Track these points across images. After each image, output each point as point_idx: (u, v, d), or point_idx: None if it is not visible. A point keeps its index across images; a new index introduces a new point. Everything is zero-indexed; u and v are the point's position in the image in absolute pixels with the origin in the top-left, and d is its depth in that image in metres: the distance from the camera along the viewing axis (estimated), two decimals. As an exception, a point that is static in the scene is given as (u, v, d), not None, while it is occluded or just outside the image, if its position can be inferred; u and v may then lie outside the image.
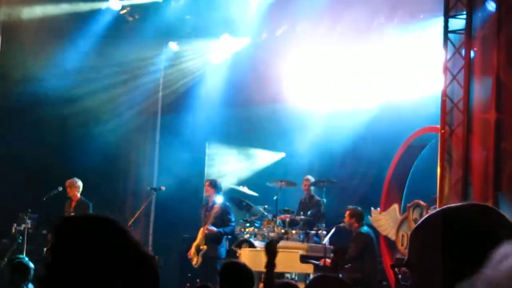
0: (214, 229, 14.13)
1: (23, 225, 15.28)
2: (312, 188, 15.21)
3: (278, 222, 14.42)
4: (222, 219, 14.28)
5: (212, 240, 14.13)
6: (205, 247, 14.06)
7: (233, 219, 14.50)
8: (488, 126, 11.24)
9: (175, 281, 15.75)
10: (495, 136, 11.09)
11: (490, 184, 11.04)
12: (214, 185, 14.58)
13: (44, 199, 14.80)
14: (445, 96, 11.70)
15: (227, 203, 14.64)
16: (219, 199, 14.39)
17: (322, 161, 16.48)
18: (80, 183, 14.51)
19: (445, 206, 2.07)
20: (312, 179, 15.16)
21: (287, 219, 14.61)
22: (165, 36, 17.60)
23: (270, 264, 7.01)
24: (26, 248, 13.70)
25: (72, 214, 14.10)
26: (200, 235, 14.20)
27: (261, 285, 9.28)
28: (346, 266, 13.25)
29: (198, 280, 13.86)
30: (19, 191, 15.81)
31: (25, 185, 15.95)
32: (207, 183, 14.77)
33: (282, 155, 18.07)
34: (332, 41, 16.43)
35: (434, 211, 2.10)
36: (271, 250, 7.08)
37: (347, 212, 13.53)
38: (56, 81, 15.77)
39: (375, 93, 16.12)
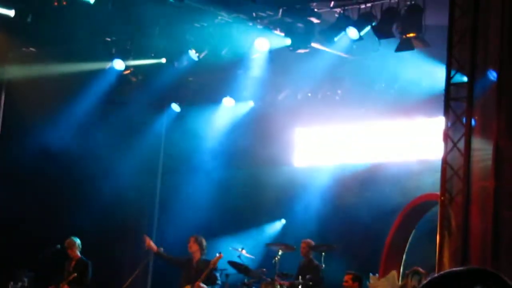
0: (205, 286, 13.98)
1: (19, 283, 15.21)
2: (311, 252, 15.13)
3: (276, 285, 14.31)
4: (208, 277, 14.15)
5: None
6: None
7: (219, 278, 14.40)
8: (488, 194, 11.23)
9: None
10: (494, 204, 11.08)
11: (489, 252, 10.99)
12: (200, 242, 14.44)
13: (41, 256, 14.75)
14: (446, 164, 11.70)
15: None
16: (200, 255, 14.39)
17: (321, 224, 16.44)
18: (78, 242, 14.49)
19: (445, 271, 2.08)
20: (311, 242, 15.09)
21: (286, 284, 14.51)
22: (168, 97, 17.72)
23: None
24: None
25: (73, 273, 14.09)
26: None
27: None
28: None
29: None
30: (15, 248, 15.76)
31: (22, 242, 15.91)
32: (192, 239, 14.54)
33: (282, 222, 18.05)
34: (332, 105, 16.58)
35: (435, 275, 2.11)
36: None
37: (349, 276, 13.44)
38: (58, 139, 15.82)
39: (374, 157, 16.21)
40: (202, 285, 13.92)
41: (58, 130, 15.88)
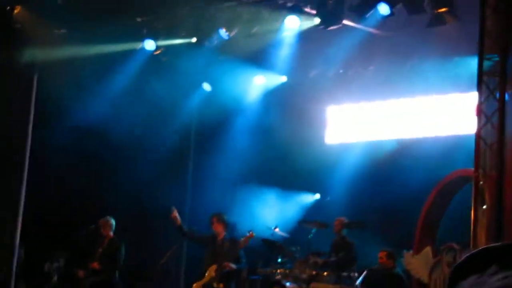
0: (234, 266, 13.96)
1: (55, 264, 15.36)
2: (344, 230, 15.11)
3: (310, 263, 14.33)
4: (234, 256, 14.07)
5: (230, 278, 13.95)
6: (221, 285, 13.82)
7: (244, 256, 14.29)
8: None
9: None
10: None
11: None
12: (223, 220, 14.34)
13: (77, 237, 14.88)
14: (479, 139, 11.63)
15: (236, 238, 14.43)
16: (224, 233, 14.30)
17: (354, 202, 16.40)
18: (113, 222, 14.54)
19: (485, 246, 2.06)
20: (344, 220, 15.06)
21: (319, 261, 14.51)
22: (199, 77, 17.73)
23: None
24: (58, 287, 13.72)
25: (104, 252, 14.15)
26: (212, 273, 13.94)
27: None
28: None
29: None
30: (51, 229, 15.91)
31: (57, 223, 16.05)
32: (215, 219, 14.38)
33: (316, 196, 18.05)
34: (364, 82, 16.52)
35: (475, 250, 2.08)
36: None
37: (384, 253, 13.41)
38: (89, 120, 15.89)
39: (408, 131, 16.16)
40: (231, 265, 13.91)
41: (90, 111, 15.94)
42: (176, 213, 14.28)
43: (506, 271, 1.20)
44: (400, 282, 13.16)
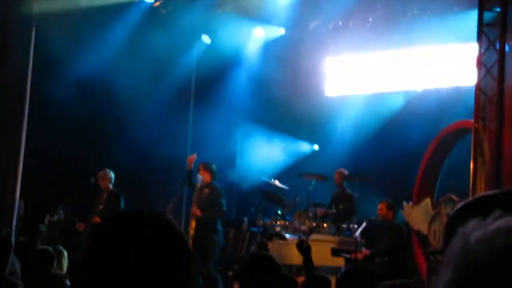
0: (199, 212, 13.60)
1: (55, 216, 15.43)
2: (345, 182, 15.14)
3: (309, 215, 14.39)
4: (213, 201, 13.79)
5: (204, 224, 13.71)
6: (192, 231, 13.67)
7: (224, 203, 13.95)
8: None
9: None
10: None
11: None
12: (210, 169, 14.08)
13: (77, 190, 14.94)
14: (479, 90, 11.62)
15: (219, 186, 14.18)
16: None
17: (354, 154, 16.43)
18: (112, 174, 14.51)
19: (480, 194, 2.06)
20: (344, 172, 15.08)
21: (319, 213, 14.58)
22: (198, 29, 17.63)
23: (307, 261, 6.98)
24: (59, 240, 13.77)
25: (104, 205, 14.16)
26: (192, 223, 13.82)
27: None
28: (377, 260, 13.19)
29: None
30: (52, 182, 15.95)
31: (58, 176, 16.09)
32: (201, 166, 14.12)
33: (315, 147, 18.07)
34: (364, 33, 16.43)
35: (470, 198, 2.09)
36: (303, 247, 7.05)
37: (384, 205, 13.42)
38: (89, 73, 15.84)
39: (408, 84, 16.12)
40: (196, 210, 13.64)
41: (90, 63, 15.87)
42: (192, 159, 14.20)
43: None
44: (400, 232, 13.21)
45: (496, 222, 1.23)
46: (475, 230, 1.23)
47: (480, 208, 1.82)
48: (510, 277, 1.13)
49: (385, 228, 13.37)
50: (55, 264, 9.06)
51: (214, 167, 14.15)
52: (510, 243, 1.16)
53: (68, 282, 9.23)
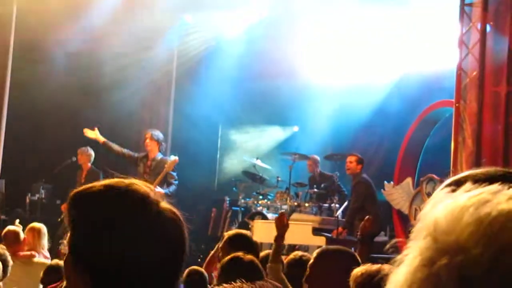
0: (162, 191, 13.04)
1: (36, 195, 15.40)
2: (319, 166, 15.19)
3: (291, 194, 14.42)
4: (165, 177, 13.50)
5: None
6: None
7: (176, 178, 13.66)
8: (499, 99, 11.24)
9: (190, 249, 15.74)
10: (505, 110, 11.09)
11: (500, 157, 11.04)
12: (158, 139, 13.76)
13: (57, 169, 14.90)
14: (460, 70, 11.65)
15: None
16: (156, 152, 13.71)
17: (335, 135, 16.47)
18: (91, 152, 14.44)
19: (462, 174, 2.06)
20: (316, 158, 15.16)
21: (300, 192, 14.61)
22: (180, 8, 17.53)
23: (280, 237, 6.98)
24: (41, 219, 13.74)
25: (83, 183, 14.07)
26: None
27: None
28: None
29: None
30: (32, 160, 15.90)
31: (39, 154, 16.03)
32: (148, 136, 13.75)
33: (295, 129, 18.08)
34: (346, 14, 16.39)
35: (450, 179, 2.09)
36: (282, 223, 7.03)
37: (354, 158, 13.37)
38: (72, 48, 15.77)
39: (389, 67, 16.10)
40: (158, 188, 12.95)
41: (72, 41, 15.79)
42: (90, 131, 13.75)
43: (480, 187, 1.15)
44: (367, 185, 13.19)
45: (466, 194, 1.16)
46: (444, 201, 1.16)
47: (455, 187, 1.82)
48: (482, 253, 1.04)
49: (353, 184, 13.36)
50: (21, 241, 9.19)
51: (161, 137, 13.92)
52: (478, 218, 1.07)
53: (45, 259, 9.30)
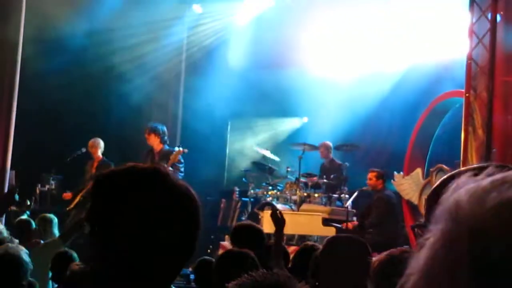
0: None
1: (46, 186, 15.42)
2: (331, 153, 15.16)
3: (300, 185, 14.41)
4: (171, 168, 13.30)
5: None
6: None
7: (182, 169, 13.56)
8: (510, 89, 11.21)
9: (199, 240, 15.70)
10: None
11: (511, 147, 11.02)
12: (155, 131, 13.66)
13: (68, 160, 14.91)
14: (471, 60, 11.61)
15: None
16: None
17: (344, 125, 16.41)
18: (102, 144, 14.43)
19: (461, 168, 2.06)
20: (329, 144, 15.12)
21: (310, 182, 14.59)
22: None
23: (278, 232, 6.91)
24: (50, 209, 13.75)
25: (94, 173, 14.10)
26: None
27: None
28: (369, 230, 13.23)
29: None
30: (42, 151, 15.92)
31: (49, 145, 16.05)
32: (146, 131, 13.74)
33: (304, 120, 18.05)
34: (354, 3, 16.33)
35: (451, 172, 2.09)
36: (276, 217, 6.97)
37: (373, 174, 13.45)
38: (81, 41, 15.76)
39: (399, 57, 16.05)
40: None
41: (82, 27, 15.77)
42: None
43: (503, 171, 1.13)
44: (389, 202, 13.25)
45: (489, 178, 1.15)
46: (466, 185, 1.15)
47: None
48: (502, 238, 1.02)
49: (374, 199, 13.40)
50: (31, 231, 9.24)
51: (160, 128, 13.83)
52: (501, 201, 1.05)
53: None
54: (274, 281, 2.45)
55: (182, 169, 13.55)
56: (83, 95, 16.54)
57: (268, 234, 7.85)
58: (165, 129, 13.92)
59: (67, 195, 14.35)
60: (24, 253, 5.72)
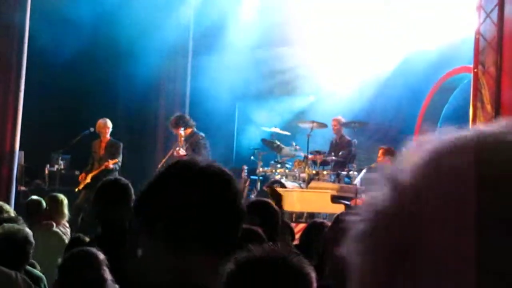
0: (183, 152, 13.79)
1: (55, 166, 15.45)
2: (343, 129, 15.13)
3: (309, 162, 14.40)
4: (193, 149, 13.88)
5: None
6: None
7: (204, 152, 13.97)
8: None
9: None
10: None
11: (518, 122, 10.96)
12: (176, 123, 14.23)
13: (75, 140, 14.94)
14: (479, 35, 11.55)
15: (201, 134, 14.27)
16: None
17: (353, 102, 16.35)
18: (110, 124, 14.42)
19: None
20: (341, 119, 15.06)
21: (318, 160, 14.58)
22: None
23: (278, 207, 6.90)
24: (59, 189, 13.78)
25: (104, 153, 14.11)
26: None
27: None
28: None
29: None
30: (51, 132, 15.95)
31: (57, 126, 16.08)
32: (171, 123, 14.39)
33: (312, 98, 17.99)
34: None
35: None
36: (273, 192, 6.96)
37: (381, 151, 13.40)
38: (86, 19, 15.73)
39: (407, 32, 15.96)
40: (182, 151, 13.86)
41: (88, 7, 15.75)
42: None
43: None
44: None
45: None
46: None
47: None
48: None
49: None
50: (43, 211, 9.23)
51: (180, 117, 14.35)
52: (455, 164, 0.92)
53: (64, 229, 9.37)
54: (273, 255, 2.47)
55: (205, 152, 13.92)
56: (91, 74, 16.55)
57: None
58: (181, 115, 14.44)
59: (83, 176, 14.29)
60: (25, 233, 5.71)
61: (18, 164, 15.12)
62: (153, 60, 16.96)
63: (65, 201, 9.96)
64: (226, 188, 2.28)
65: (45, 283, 6.56)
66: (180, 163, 2.42)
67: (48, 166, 15.47)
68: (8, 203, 11.52)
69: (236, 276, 2.43)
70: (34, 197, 9.82)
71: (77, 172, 15.13)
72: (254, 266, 2.45)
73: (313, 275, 2.55)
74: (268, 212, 6.71)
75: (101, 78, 16.65)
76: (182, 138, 14.01)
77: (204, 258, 2.23)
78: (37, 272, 6.65)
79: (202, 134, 14.25)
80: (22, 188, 15.13)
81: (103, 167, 13.78)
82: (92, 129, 14.72)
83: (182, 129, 14.09)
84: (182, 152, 13.72)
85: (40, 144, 15.66)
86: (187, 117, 14.57)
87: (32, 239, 5.74)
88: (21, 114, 14.94)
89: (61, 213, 9.73)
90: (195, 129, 14.26)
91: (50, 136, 15.91)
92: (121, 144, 14.30)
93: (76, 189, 14.06)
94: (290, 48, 16.93)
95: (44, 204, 9.49)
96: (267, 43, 17.31)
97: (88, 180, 13.93)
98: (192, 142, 13.96)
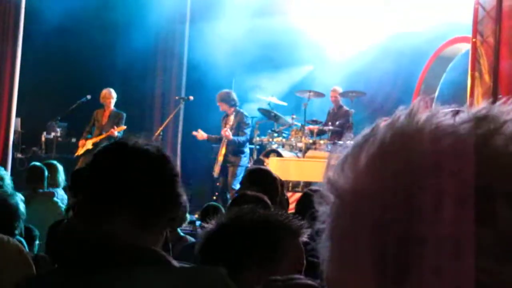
0: (230, 135, 13.80)
1: (52, 134, 15.43)
2: (341, 99, 15.11)
3: (306, 132, 14.40)
4: (237, 128, 13.99)
5: (232, 148, 13.94)
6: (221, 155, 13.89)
7: (246, 130, 14.09)
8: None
9: (204, 188, 15.76)
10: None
11: (516, 92, 10.97)
12: (224, 99, 14.22)
13: (72, 107, 14.91)
14: (478, 4, 11.52)
15: (245, 113, 14.34)
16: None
17: (350, 72, 16.31)
18: (115, 94, 14.36)
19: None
20: (339, 89, 15.04)
21: (315, 129, 14.57)
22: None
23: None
24: (56, 157, 13.78)
25: (106, 123, 14.09)
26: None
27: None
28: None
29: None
30: (48, 99, 15.93)
31: (54, 93, 16.06)
32: (218, 98, 14.28)
33: (309, 67, 17.95)
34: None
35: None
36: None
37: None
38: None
39: (403, 2, 15.90)
40: (228, 133, 13.85)
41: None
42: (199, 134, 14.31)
43: None
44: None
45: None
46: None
47: None
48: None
49: None
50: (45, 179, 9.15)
51: (227, 95, 14.28)
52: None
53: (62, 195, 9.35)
54: (264, 216, 2.51)
55: (247, 131, 14.05)
56: (88, 42, 16.50)
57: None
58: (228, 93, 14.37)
59: (83, 142, 14.27)
60: (15, 198, 5.68)
61: (15, 131, 15.13)
62: (149, 27, 16.87)
63: (61, 168, 9.95)
64: (159, 165, 2.42)
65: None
66: (117, 142, 2.65)
67: (44, 133, 15.46)
68: (5, 169, 11.51)
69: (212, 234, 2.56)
70: (37, 163, 9.75)
71: (73, 140, 15.13)
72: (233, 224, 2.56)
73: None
74: (267, 180, 6.72)
75: (98, 45, 16.59)
76: (231, 117, 14.02)
77: (127, 220, 2.32)
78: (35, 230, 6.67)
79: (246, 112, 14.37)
80: (19, 155, 15.13)
81: (107, 134, 13.80)
82: (89, 97, 14.70)
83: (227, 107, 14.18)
84: (229, 133, 13.80)
85: (37, 111, 15.64)
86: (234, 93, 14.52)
87: (22, 204, 5.71)
88: (17, 81, 14.92)
89: (56, 181, 9.72)
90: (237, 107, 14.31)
91: (47, 103, 15.89)
92: (125, 115, 14.29)
93: (76, 155, 14.07)
94: (288, 17, 16.84)
95: (46, 171, 9.41)
96: (264, 13, 17.20)
97: (90, 146, 13.94)
98: (239, 121, 14.00)
